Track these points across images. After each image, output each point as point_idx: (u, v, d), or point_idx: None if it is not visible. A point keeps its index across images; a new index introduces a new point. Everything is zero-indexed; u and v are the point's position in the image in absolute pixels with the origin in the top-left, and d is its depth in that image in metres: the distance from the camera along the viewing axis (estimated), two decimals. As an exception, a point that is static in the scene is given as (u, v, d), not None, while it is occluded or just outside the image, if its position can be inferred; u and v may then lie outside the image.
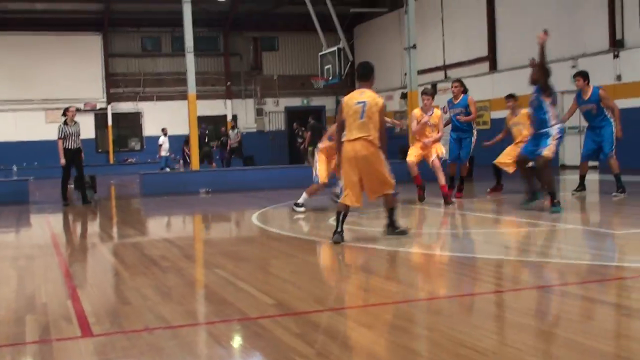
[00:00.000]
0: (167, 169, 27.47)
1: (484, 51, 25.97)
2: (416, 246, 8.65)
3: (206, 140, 28.12)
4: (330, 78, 26.38)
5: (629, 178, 13.52)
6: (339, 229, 8.32)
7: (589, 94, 12.41)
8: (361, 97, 8.44)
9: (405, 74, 22.06)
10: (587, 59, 20.87)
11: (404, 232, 8.72)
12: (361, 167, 8.35)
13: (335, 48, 25.78)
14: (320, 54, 27.08)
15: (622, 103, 19.12)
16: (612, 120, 12.33)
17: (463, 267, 7.14)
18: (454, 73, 27.34)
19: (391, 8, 30.59)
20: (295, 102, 35.77)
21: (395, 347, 4.38)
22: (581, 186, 12.83)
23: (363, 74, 8.74)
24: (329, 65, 26.25)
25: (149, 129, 33.92)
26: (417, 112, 12.88)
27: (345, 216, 8.44)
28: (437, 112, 12.64)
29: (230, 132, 30.69)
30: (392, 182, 8.54)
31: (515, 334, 4.65)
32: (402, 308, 5.46)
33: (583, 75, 12.49)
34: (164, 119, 31.53)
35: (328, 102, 35.10)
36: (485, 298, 5.73)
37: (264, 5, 33.31)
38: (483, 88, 24.54)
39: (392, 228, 8.69)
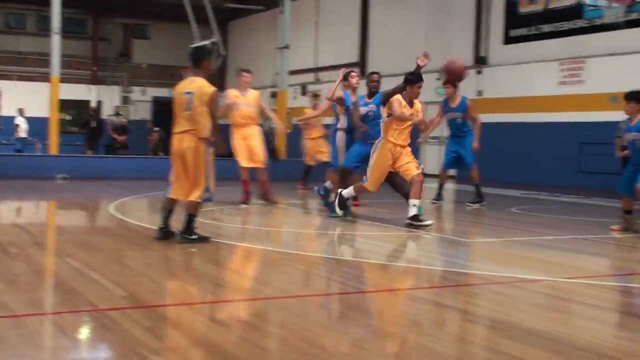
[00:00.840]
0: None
1: (354, 56, 26.40)
2: (274, 244, 8.68)
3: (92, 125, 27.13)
4: (201, 71, 26.06)
5: (484, 190, 14.06)
6: (162, 225, 7.92)
7: (457, 102, 12.82)
8: (190, 86, 7.77)
9: (277, 73, 22.11)
10: (451, 72, 21.60)
11: (203, 239, 7.80)
12: (183, 161, 7.71)
13: (208, 42, 25.44)
14: (192, 46, 26.69)
15: (482, 118, 19.87)
16: (474, 131, 12.81)
17: (318, 267, 7.21)
18: (324, 76, 27.65)
19: (267, 7, 30.60)
20: (164, 92, 35.17)
21: (245, 344, 4.36)
22: (439, 196, 13.22)
23: (194, 60, 7.99)
24: (201, 58, 25.91)
25: (7, 109, 32.45)
26: (232, 92, 11.97)
27: (170, 212, 7.91)
28: (255, 92, 11.96)
29: (114, 118, 29.78)
30: (203, 187, 7.69)
31: (365, 335, 4.73)
32: (256, 305, 5.46)
33: (453, 84, 12.84)
34: (24, 100, 30.24)
35: (197, 96, 34.70)
36: (338, 298, 5.81)
37: (138, -8, 32.61)
38: (352, 93, 24.93)
39: (186, 233, 7.78)
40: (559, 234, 9.64)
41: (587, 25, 18.62)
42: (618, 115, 16.82)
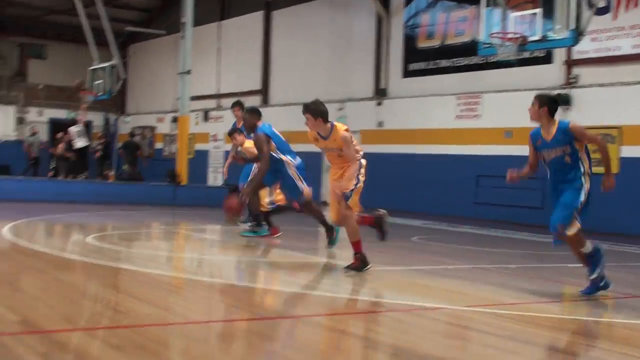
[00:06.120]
0: None
1: (257, 84, 26.45)
2: (173, 269, 8.53)
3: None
4: (100, 94, 25.62)
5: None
6: None
7: None
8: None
9: (178, 99, 21.95)
10: (353, 103, 21.95)
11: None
12: None
13: (108, 64, 25.06)
14: (91, 68, 26.21)
15: (382, 148, 20.24)
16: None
17: (221, 293, 7.12)
18: (227, 102, 27.56)
19: (168, 31, 30.35)
20: (61, 114, 34.27)
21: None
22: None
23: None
24: (100, 81, 25.47)
25: None
26: None
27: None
28: None
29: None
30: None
31: (267, 361, 4.69)
32: (154, 331, 5.33)
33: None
34: None
35: (96, 118, 33.88)
36: (239, 325, 5.74)
37: (33, 11, 31.77)
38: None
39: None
40: (458, 263, 9.83)
41: (482, 62, 19.21)
42: (512, 149, 17.46)
